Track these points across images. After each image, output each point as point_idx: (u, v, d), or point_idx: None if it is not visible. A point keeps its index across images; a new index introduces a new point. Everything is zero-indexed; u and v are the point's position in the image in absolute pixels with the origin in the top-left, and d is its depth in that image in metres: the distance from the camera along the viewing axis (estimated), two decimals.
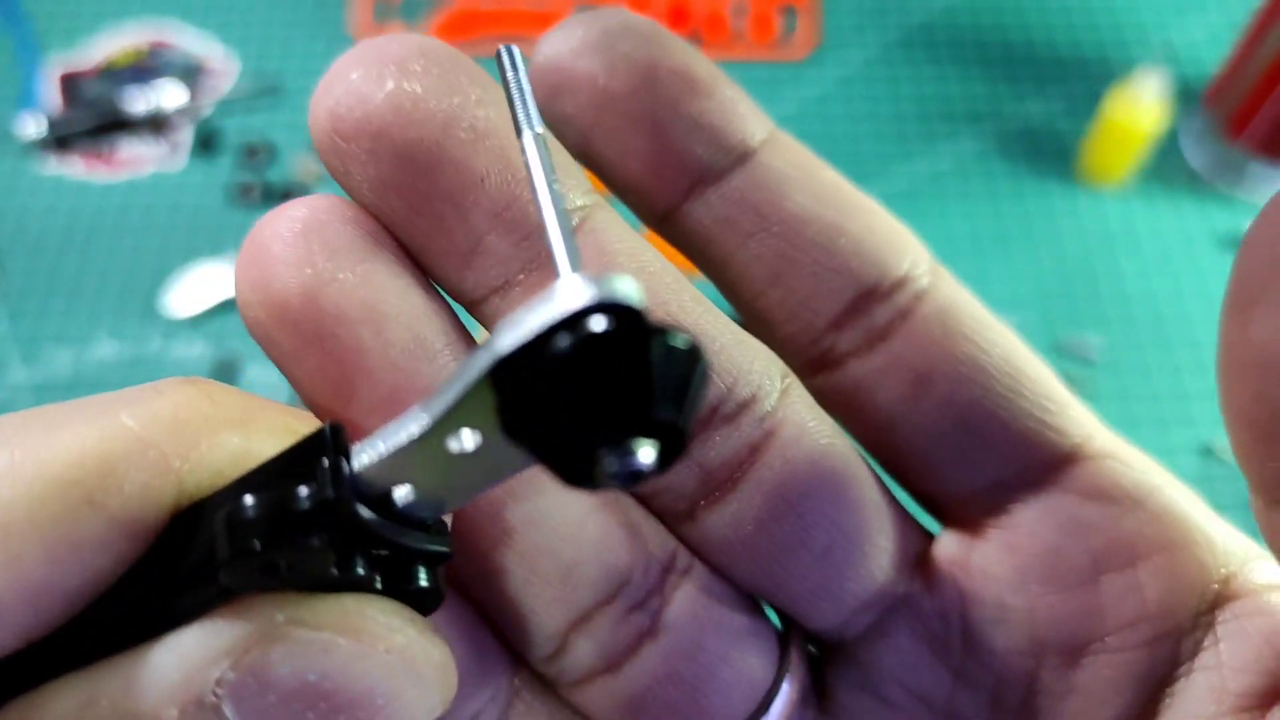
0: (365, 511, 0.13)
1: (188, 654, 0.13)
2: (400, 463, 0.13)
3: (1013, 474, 0.18)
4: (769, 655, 0.19)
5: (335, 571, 0.13)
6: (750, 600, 0.19)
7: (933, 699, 0.19)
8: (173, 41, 0.73)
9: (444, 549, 0.15)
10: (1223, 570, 0.18)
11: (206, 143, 0.69)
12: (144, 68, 0.71)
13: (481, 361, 0.12)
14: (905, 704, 0.19)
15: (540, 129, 0.15)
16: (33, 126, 0.68)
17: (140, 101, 0.69)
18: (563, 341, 0.12)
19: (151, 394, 0.14)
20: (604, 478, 0.12)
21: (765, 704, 0.19)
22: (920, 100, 0.70)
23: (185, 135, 0.69)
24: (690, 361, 0.13)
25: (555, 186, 0.14)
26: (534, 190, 0.14)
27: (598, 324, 0.12)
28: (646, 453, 0.12)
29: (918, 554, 0.19)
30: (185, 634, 0.13)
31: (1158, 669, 0.18)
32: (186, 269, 0.63)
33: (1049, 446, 0.18)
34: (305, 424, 0.15)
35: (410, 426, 0.13)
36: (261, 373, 0.60)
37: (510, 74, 0.15)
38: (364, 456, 0.14)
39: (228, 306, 0.62)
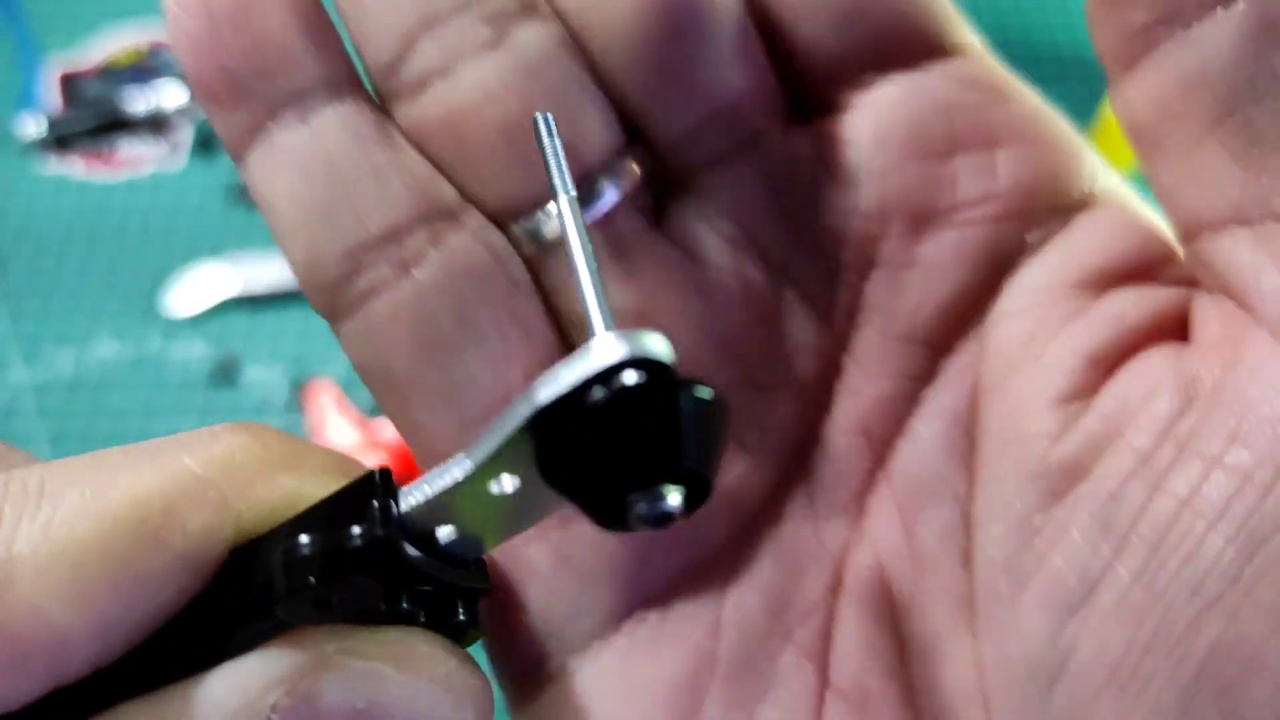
0: (411, 550, 0.14)
1: (245, 681, 0.14)
2: (444, 504, 0.14)
3: (890, 50, 0.19)
4: (613, 138, 0.18)
5: (383, 606, 0.14)
6: (612, 105, 0.19)
7: (768, 249, 0.19)
8: None
9: (482, 585, 0.15)
10: (1085, 187, 0.18)
11: (206, 143, 0.69)
12: (144, 68, 0.71)
13: (522, 411, 0.13)
14: (739, 244, 0.19)
15: (573, 192, 0.16)
16: (33, 126, 0.68)
17: (140, 101, 0.69)
18: (597, 394, 0.13)
19: (208, 438, 0.15)
20: (635, 520, 0.13)
21: (592, 193, 0.18)
22: None
23: (185, 135, 0.69)
24: (714, 411, 0.14)
25: (589, 247, 0.15)
26: (569, 252, 0.15)
27: (630, 378, 0.13)
28: (674, 497, 0.13)
29: (781, 107, 0.19)
30: (242, 662, 0.14)
31: (1002, 249, 0.18)
32: (186, 269, 0.63)
33: (932, 36, 0.19)
34: (350, 465, 0.16)
35: (454, 471, 0.14)
36: (262, 372, 0.60)
37: (546, 140, 0.16)
38: (411, 498, 0.14)
39: (228, 306, 0.62)
